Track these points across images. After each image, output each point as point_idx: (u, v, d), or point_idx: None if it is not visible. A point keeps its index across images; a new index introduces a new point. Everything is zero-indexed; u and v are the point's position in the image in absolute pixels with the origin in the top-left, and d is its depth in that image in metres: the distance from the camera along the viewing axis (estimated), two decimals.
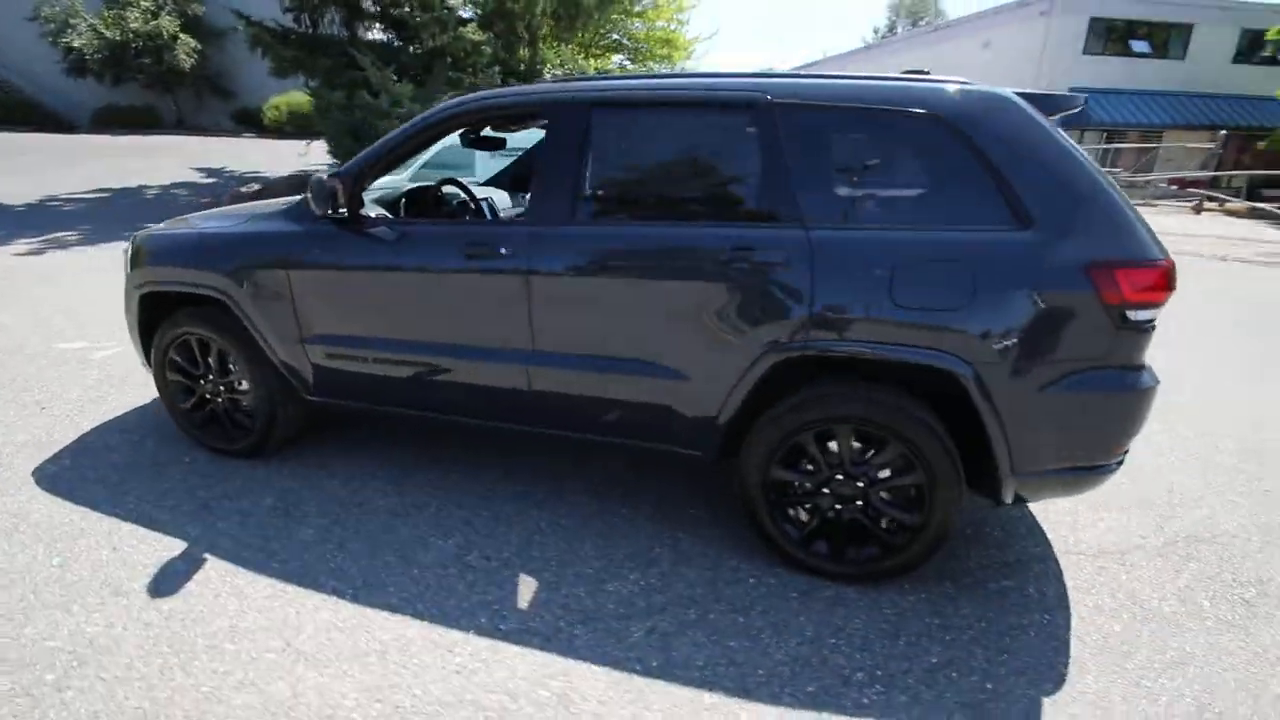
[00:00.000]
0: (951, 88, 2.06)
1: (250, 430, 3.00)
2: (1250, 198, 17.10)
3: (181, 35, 24.28)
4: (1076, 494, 2.21)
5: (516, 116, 2.75)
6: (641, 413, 2.37)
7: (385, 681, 1.88)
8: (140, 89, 24.53)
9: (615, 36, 20.82)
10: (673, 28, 20.96)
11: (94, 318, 5.26)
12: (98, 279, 6.54)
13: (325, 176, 2.45)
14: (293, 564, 2.37)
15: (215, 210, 3.49)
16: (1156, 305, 1.92)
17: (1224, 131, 18.70)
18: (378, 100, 11.72)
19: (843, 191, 2.08)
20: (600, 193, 2.31)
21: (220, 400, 3.04)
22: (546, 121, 2.36)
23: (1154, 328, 1.99)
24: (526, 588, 2.28)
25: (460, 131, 2.98)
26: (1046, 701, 1.88)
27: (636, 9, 19.04)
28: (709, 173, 2.25)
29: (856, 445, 2.20)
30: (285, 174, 16.30)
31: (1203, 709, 1.88)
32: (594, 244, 2.26)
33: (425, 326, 2.53)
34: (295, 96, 24.19)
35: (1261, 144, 19.35)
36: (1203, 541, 2.69)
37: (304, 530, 2.57)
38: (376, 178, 2.68)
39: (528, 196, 3.98)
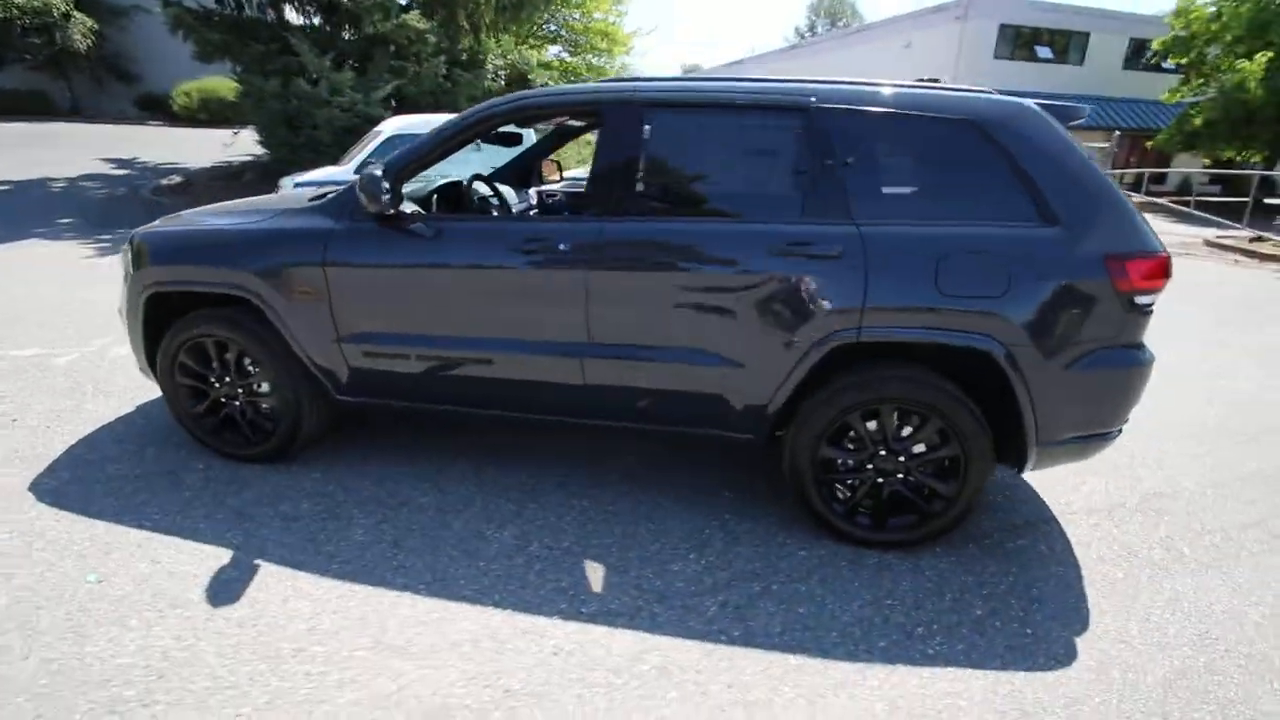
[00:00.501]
0: (983, 96, 2.28)
1: (271, 434, 2.91)
2: (1143, 192, 18.90)
3: (75, 13, 22.21)
4: (1084, 459, 2.49)
5: (571, 115, 2.79)
6: (696, 400, 2.49)
7: (488, 668, 1.92)
8: (27, 72, 22.29)
9: (552, 27, 20.64)
10: (611, 20, 21.01)
11: (43, 322, 4.87)
12: (28, 279, 6.02)
13: (378, 172, 2.41)
14: (354, 564, 2.35)
15: (215, 207, 3.34)
16: (1157, 291, 2.21)
17: (1118, 132, 20.54)
18: (316, 88, 11.22)
19: (887, 190, 2.27)
20: (657, 190, 2.40)
21: (238, 404, 2.93)
22: (602, 121, 2.42)
23: (1153, 311, 2.29)
24: (595, 572, 2.36)
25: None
26: (1078, 640, 2.14)
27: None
28: (762, 172, 2.39)
29: (897, 423, 2.40)
30: (208, 165, 15.30)
31: (1203, 637, 2.19)
32: (652, 239, 2.36)
33: (474, 322, 2.54)
34: (209, 82, 22.62)
35: (1149, 143, 21.36)
36: (1169, 498, 3.08)
37: (354, 531, 2.54)
38: (417, 174, 2.66)
39: (531, 191, 4.05)
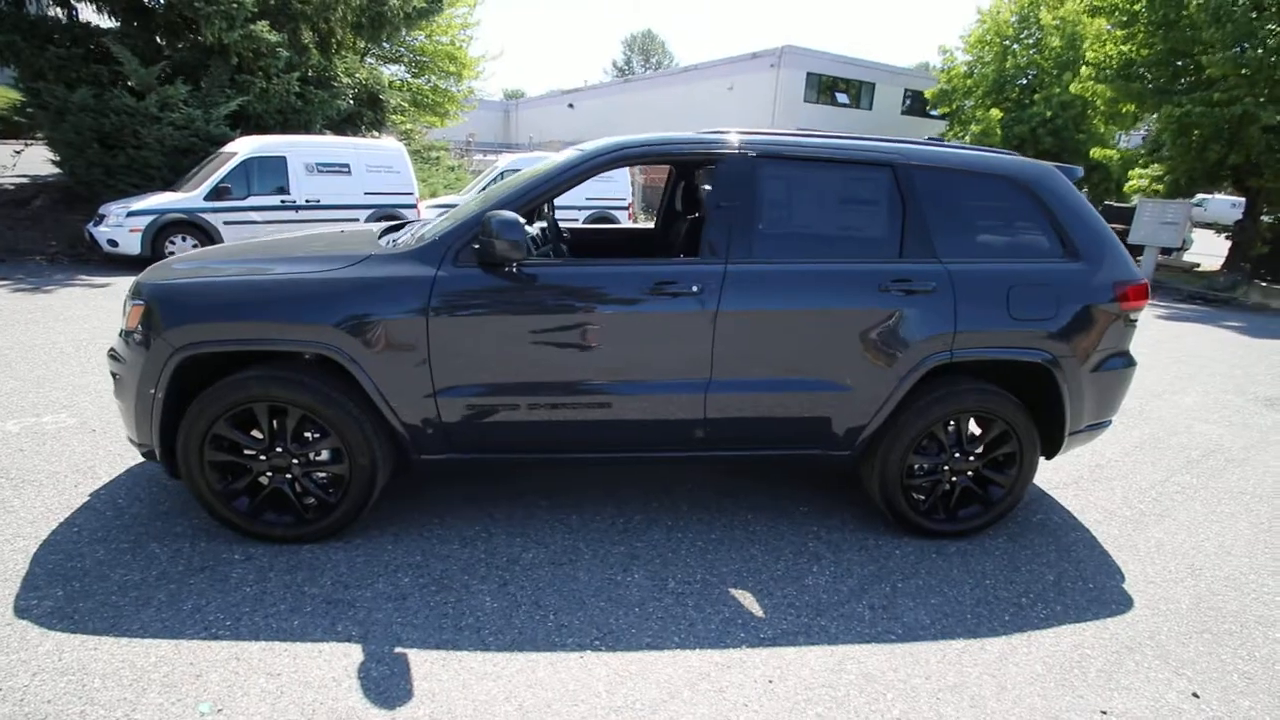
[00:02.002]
0: (1023, 159, 2.80)
1: (334, 506, 2.58)
2: None
3: None
4: (1088, 443, 3.11)
5: (688, 162, 2.83)
6: (805, 425, 2.70)
7: (723, 708, 1.94)
8: None
9: (386, 45, 19.64)
10: (458, 44, 20.52)
11: None
12: None
13: (514, 217, 2.29)
14: (510, 634, 2.19)
15: (225, 250, 2.87)
16: (1141, 309, 2.87)
17: None
18: (143, 102, 9.63)
19: (961, 234, 2.69)
20: (773, 234, 2.59)
21: (289, 477, 2.55)
22: (714, 168, 2.56)
23: (1136, 324, 2.96)
24: (745, 599, 2.45)
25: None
26: (1125, 587, 2.68)
27: (425, 23, 18.20)
28: (861, 219, 2.68)
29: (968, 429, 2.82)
30: None
31: (1191, 569, 2.85)
32: (775, 279, 2.54)
33: (598, 366, 2.51)
34: None
35: None
36: (1106, 468, 3.89)
37: (482, 599, 2.36)
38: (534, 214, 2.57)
39: (534, 227, 4.00)
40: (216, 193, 9.01)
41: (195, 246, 8.88)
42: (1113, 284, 2.76)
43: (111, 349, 2.65)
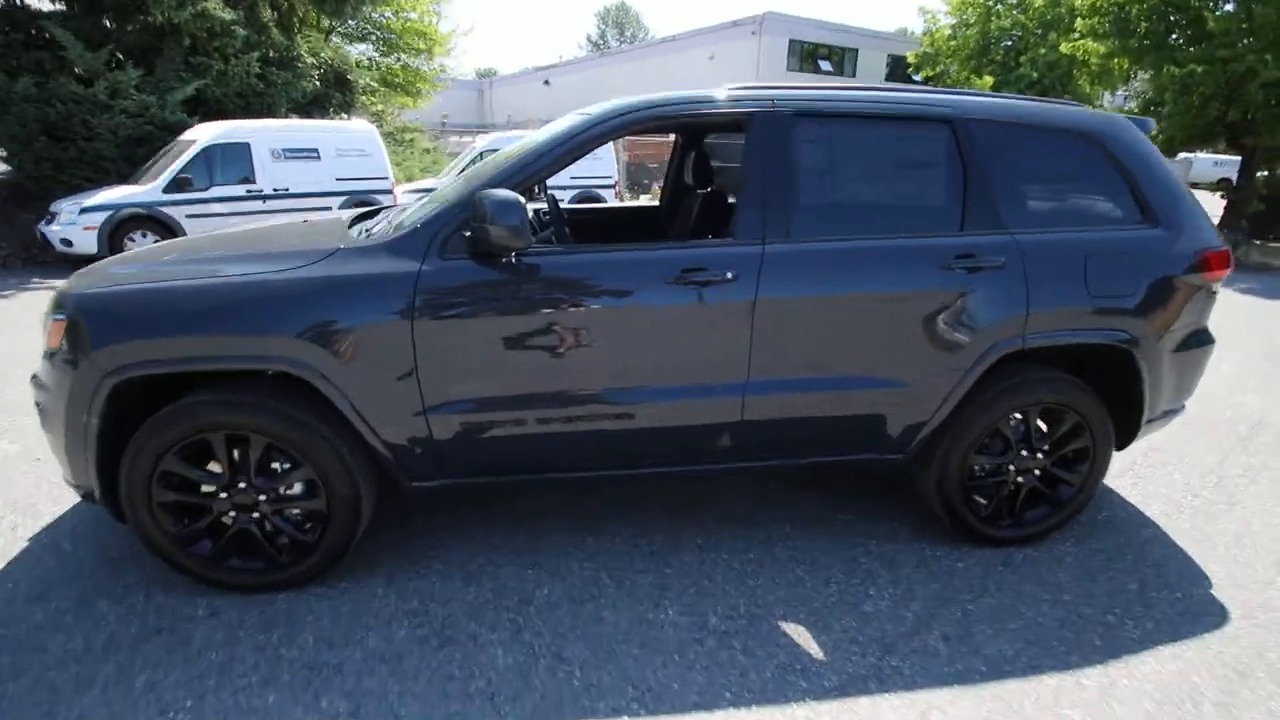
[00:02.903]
0: (1093, 111, 2.43)
1: (310, 547, 2.19)
2: None
3: None
4: (1160, 430, 2.79)
5: (708, 124, 2.43)
6: (854, 427, 2.35)
7: None
8: None
9: (352, 22, 18.70)
10: (427, 20, 19.62)
11: None
12: None
13: (511, 196, 1.88)
14: (528, 698, 1.84)
15: (169, 248, 2.44)
16: (1222, 279, 2.53)
17: None
18: (91, 89, 8.95)
19: (1029, 200, 2.32)
20: (816, 207, 2.20)
21: (258, 515, 2.16)
22: (747, 132, 2.15)
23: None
24: (800, 636, 2.11)
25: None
26: (1214, 594, 2.38)
27: None
28: (916, 185, 2.30)
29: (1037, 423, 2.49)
30: None
31: (1277, 562, 2.57)
32: (820, 260, 2.16)
33: (619, 370, 2.13)
34: None
35: None
36: (1160, 452, 3.59)
37: (494, 653, 2.00)
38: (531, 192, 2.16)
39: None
40: (176, 184, 8.43)
41: (157, 242, 8.31)
42: (1194, 252, 2.41)
43: (35, 374, 2.23)
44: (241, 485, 2.11)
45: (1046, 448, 2.52)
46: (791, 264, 2.14)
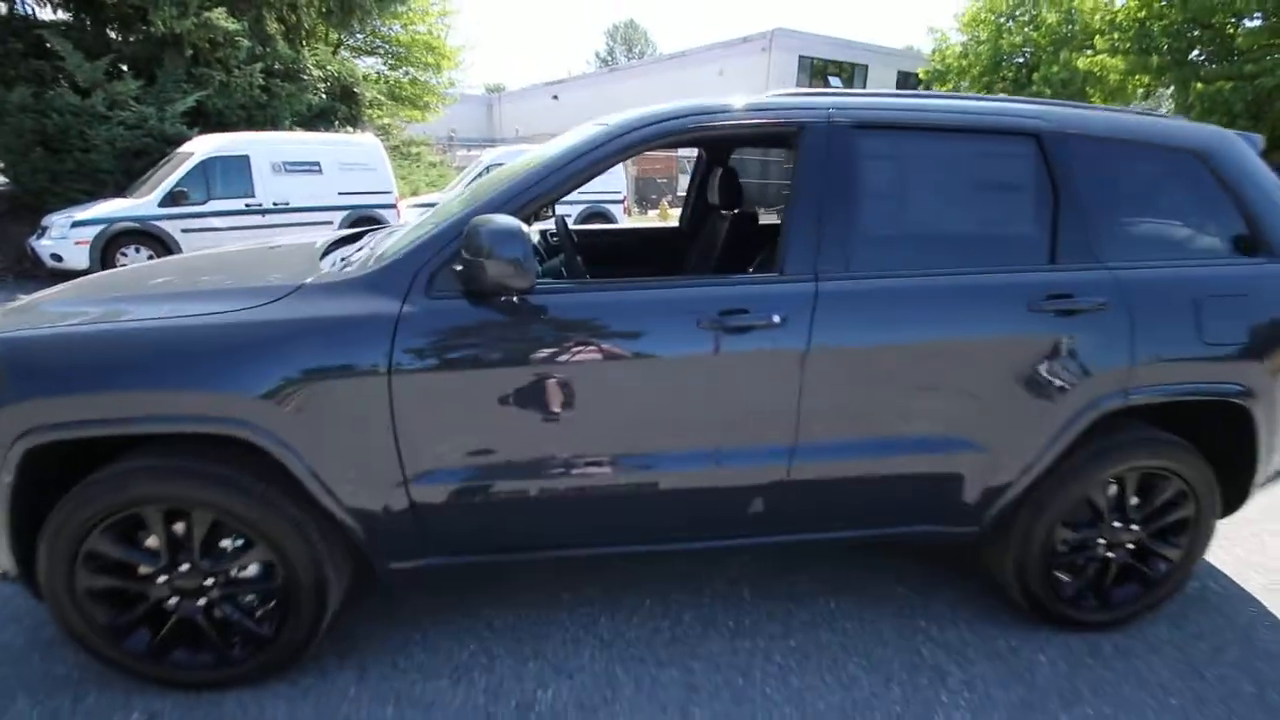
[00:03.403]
0: (1197, 125, 2.07)
1: (270, 641, 1.82)
2: None
3: None
4: (1266, 492, 2.40)
5: (749, 138, 2.08)
6: (920, 497, 1.97)
7: None
8: None
9: (360, 36, 18.61)
10: (435, 34, 19.53)
11: None
12: None
13: (513, 224, 1.52)
14: None
15: (107, 280, 2.10)
16: None
17: None
18: (89, 100, 8.74)
19: (1128, 228, 1.96)
20: (880, 237, 1.84)
21: (204, 602, 1.79)
22: (798, 147, 1.80)
23: None
24: None
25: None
26: None
27: (399, 9, 17.19)
28: (999, 210, 1.94)
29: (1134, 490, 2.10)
30: None
31: None
32: (885, 300, 1.80)
33: (632, 433, 1.77)
34: None
35: None
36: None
37: None
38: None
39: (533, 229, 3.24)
40: (172, 198, 8.17)
41: (151, 258, 8.04)
42: None
43: None
44: (184, 567, 1.75)
45: (1143, 518, 2.13)
46: (851, 305, 1.78)
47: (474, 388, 1.68)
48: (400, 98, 18.70)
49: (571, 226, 3.34)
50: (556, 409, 1.71)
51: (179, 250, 8.09)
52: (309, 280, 1.72)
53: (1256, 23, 11.30)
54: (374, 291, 1.65)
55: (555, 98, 38.61)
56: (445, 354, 1.64)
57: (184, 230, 8.20)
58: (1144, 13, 12.64)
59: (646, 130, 1.78)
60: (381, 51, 19.21)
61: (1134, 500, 2.12)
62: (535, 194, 1.71)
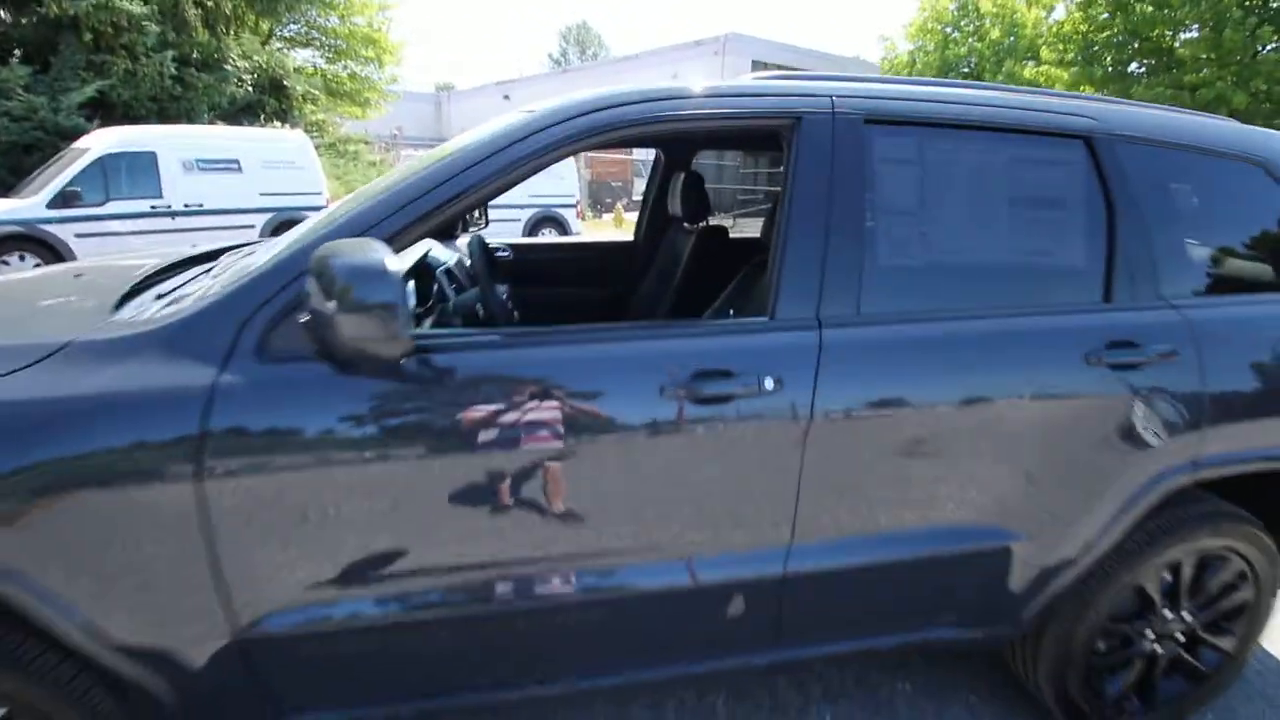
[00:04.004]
0: (1255, 131, 1.71)
1: None
2: None
3: None
4: None
5: (724, 132, 1.58)
6: (943, 598, 1.54)
7: None
8: None
9: (294, 28, 17.50)
10: (376, 27, 18.53)
11: None
12: None
13: (369, 260, 0.98)
14: None
15: None
16: None
17: None
18: None
19: (1195, 255, 1.57)
20: (899, 268, 1.40)
21: None
22: (790, 147, 1.33)
23: None
24: None
25: None
26: None
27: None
28: (1043, 232, 1.51)
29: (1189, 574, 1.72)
30: None
31: None
32: (905, 351, 1.35)
33: (572, 535, 1.27)
34: None
35: None
36: None
37: None
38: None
39: (460, 243, 2.70)
40: (63, 198, 7.22)
41: (38, 266, 7.10)
42: None
43: None
44: None
45: (1198, 605, 1.75)
46: (865, 360, 1.33)
47: (342, 490, 1.15)
48: (338, 93, 17.64)
49: (508, 241, 2.83)
50: (464, 513, 1.20)
51: (72, 257, 7.17)
52: (82, 336, 1.14)
53: (1193, 34, 11.61)
54: (173, 353, 1.10)
55: (506, 97, 37.67)
56: (289, 446, 1.11)
57: (78, 235, 7.27)
58: (1086, 25, 12.89)
59: (585, 120, 1.27)
60: (318, 44, 18.10)
61: (1190, 585, 1.74)
62: (421, 209, 1.18)
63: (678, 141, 2.53)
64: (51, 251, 7.18)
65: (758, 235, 2.35)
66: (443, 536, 1.21)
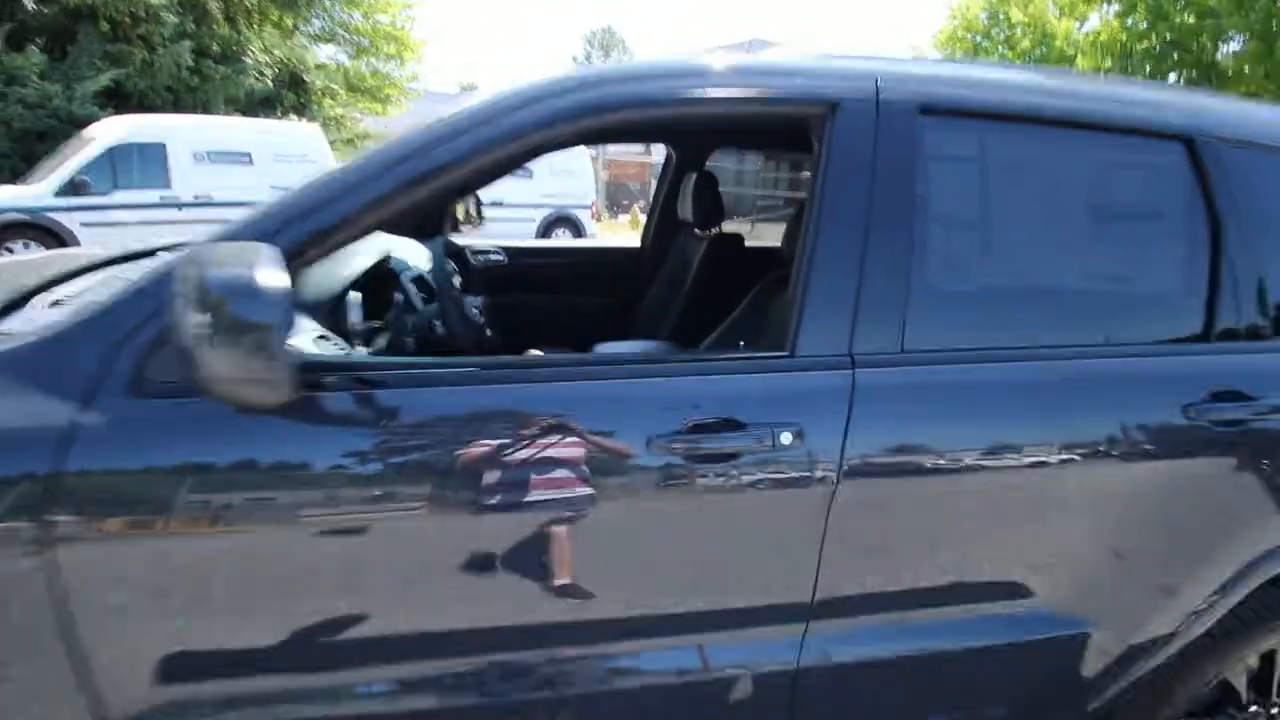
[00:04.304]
0: None
1: None
2: None
3: None
4: None
5: (739, 123, 1.32)
6: (991, 692, 1.27)
7: None
8: None
9: (318, 24, 17.50)
10: (399, 24, 18.51)
11: None
12: None
13: (239, 276, 0.72)
14: None
15: None
16: None
17: None
18: None
19: None
20: (956, 294, 1.13)
21: None
22: (822, 140, 1.06)
23: None
24: None
25: None
26: None
27: None
28: (1130, 252, 1.23)
29: None
30: None
31: None
32: (959, 398, 1.08)
33: (541, 611, 1.02)
34: None
35: None
36: None
37: None
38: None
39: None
40: (71, 186, 7.15)
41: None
42: None
43: None
44: None
45: None
46: (907, 406, 1.06)
47: (238, 558, 0.91)
48: (359, 89, 17.61)
49: (503, 244, 2.59)
50: (386, 593, 0.95)
51: (77, 245, 7.09)
52: None
53: (1235, 46, 11.16)
54: (21, 383, 0.86)
55: None
56: (171, 503, 0.87)
57: (84, 224, 7.18)
58: (1124, 35, 12.46)
59: (559, 105, 0.99)
60: (341, 39, 18.12)
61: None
62: (339, 214, 0.91)
63: (692, 135, 2.27)
64: (57, 240, 7.10)
65: (778, 244, 2.09)
66: (367, 625, 0.96)
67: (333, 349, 1.13)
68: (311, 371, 0.88)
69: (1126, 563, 1.20)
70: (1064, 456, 1.12)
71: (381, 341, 1.35)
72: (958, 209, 1.13)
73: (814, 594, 1.08)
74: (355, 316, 1.23)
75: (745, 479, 0.99)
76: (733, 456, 0.98)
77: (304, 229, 0.90)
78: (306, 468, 0.89)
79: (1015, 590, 1.19)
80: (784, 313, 1.12)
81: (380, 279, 1.55)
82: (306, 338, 1.05)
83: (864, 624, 1.14)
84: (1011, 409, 1.09)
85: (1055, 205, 1.19)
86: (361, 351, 1.21)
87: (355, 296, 1.24)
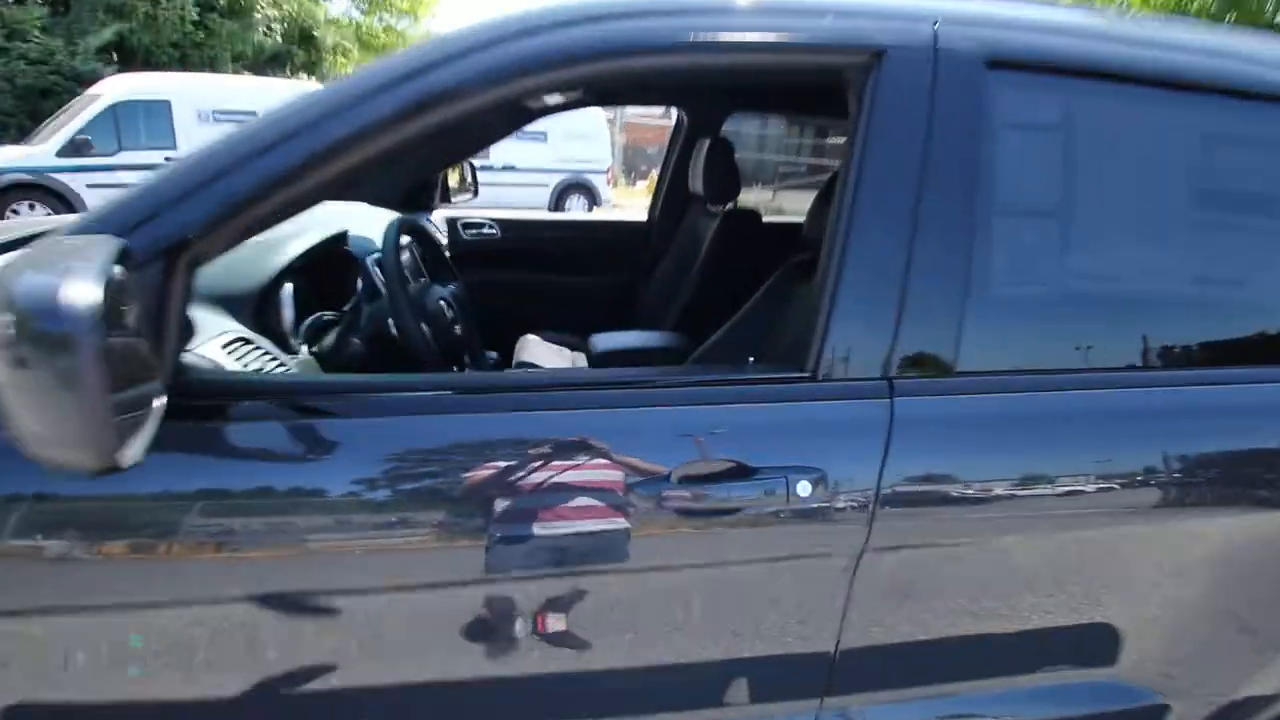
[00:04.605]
0: None
1: None
2: None
3: None
4: None
5: (766, 74, 1.07)
6: None
7: None
8: None
9: None
10: None
11: None
12: None
13: (40, 284, 0.51)
14: None
15: None
16: None
17: None
18: None
19: None
20: (1025, 299, 0.90)
21: None
22: (862, 100, 0.82)
23: None
24: None
25: None
26: None
27: None
28: (1245, 246, 0.98)
29: None
30: None
31: None
32: (1027, 432, 0.86)
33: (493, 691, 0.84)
34: None
35: None
36: None
37: None
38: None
39: (435, 219, 2.28)
40: (74, 146, 7.01)
41: (49, 215, 6.93)
42: None
43: None
44: None
45: None
46: (959, 443, 0.84)
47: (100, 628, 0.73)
48: (371, 46, 17.18)
49: (496, 216, 2.36)
50: (301, 659, 0.78)
51: (83, 208, 6.98)
52: None
53: None
54: None
55: None
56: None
57: (88, 185, 7.06)
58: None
59: (520, 50, 0.75)
60: None
61: None
62: (226, 196, 0.69)
63: (704, 94, 2.01)
64: (62, 201, 7.00)
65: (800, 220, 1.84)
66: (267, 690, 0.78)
67: (259, 356, 0.93)
68: (193, 395, 0.69)
69: (1223, 627, 0.99)
70: (1157, 502, 0.90)
71: (328, 342, 1.15)
72: (1035, 192, 0.88)
73: (832, 667, 0.88)
74: (288, 313, 1.03)
75: (752, 539, 0.79)
76: (735, 511, 0.77)
77: (182, 217, 0.68)
78: (188, 514, 0.71)
79: (1078, 660, 0.98)
80: (804, 309, 0.90)
81: (339, 261, 1.35)
82: (214, 344, 0.85)
83: (890, 702, 0.94)
84: (1096, 448, 0.86)
85: (1164, 190, 0.93)
86: (297, 358, 1.01)
87: (288, 289, 1.03)
